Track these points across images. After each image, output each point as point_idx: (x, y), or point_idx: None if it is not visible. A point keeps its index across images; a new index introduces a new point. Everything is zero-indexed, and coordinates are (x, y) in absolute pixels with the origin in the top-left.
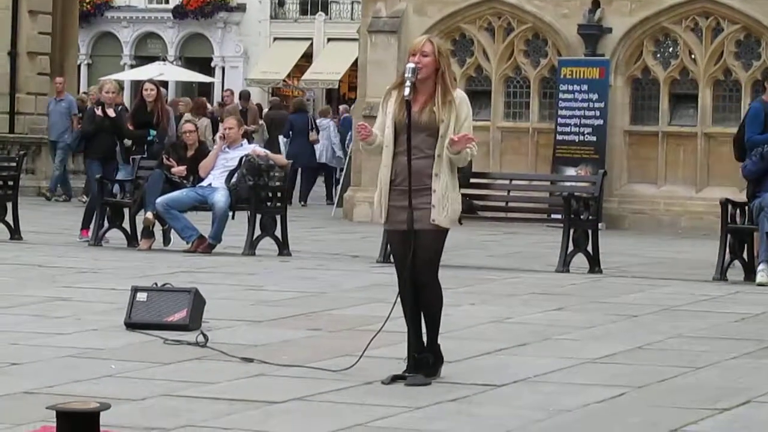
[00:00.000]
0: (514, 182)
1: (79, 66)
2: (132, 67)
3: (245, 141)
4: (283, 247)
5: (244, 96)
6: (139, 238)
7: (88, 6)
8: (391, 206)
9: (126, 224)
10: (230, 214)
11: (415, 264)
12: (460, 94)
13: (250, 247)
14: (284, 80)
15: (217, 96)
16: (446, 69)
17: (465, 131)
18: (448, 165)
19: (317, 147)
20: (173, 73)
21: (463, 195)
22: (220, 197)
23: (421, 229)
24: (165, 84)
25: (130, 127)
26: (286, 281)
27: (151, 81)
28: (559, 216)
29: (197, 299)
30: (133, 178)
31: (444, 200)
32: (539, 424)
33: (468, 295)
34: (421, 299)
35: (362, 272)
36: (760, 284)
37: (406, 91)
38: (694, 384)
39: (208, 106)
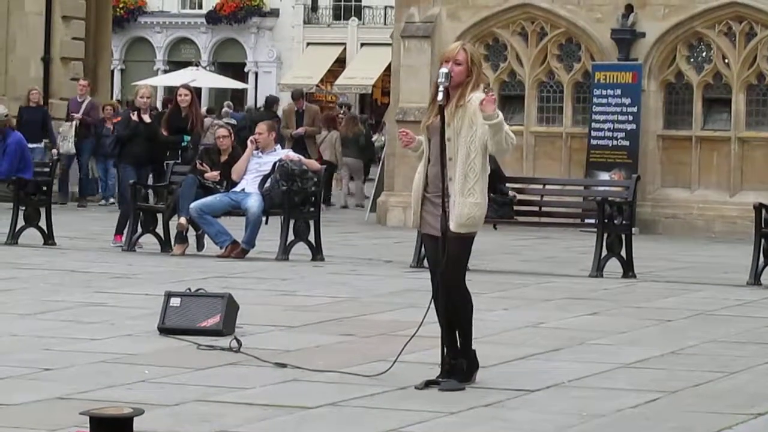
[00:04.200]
0: (547, 187)
1: (112, 71)
2: (165, 72)
3: (278, 146)
4: (317, 252)
5: (295, 96)
6: (172, 243)
7: (122, 11)
8: (423, 211)
9: (159, 229)
10: (263, 219)
11: (442, 270)
12: (476, 96)
13: (284, 252)
14: (317, 85)
15: (250, 101)
16: (476, 77)
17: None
18: (462, 167)
19: None
20: (206, 78)
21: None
22: (254, 202)
23: (445, 235)
24: (198, 90)
25: (164, 133)
26: (319, 286)
27: (185, 86)
28: (592, 220)
29: (230, 304)
30: (166, 183)
31: (455, 206)
32: (573, 429)
33: (501, 300)
34: (447, 303)
35: (396, 277)
36: None
37: (440, 96)
38: (728, 389)
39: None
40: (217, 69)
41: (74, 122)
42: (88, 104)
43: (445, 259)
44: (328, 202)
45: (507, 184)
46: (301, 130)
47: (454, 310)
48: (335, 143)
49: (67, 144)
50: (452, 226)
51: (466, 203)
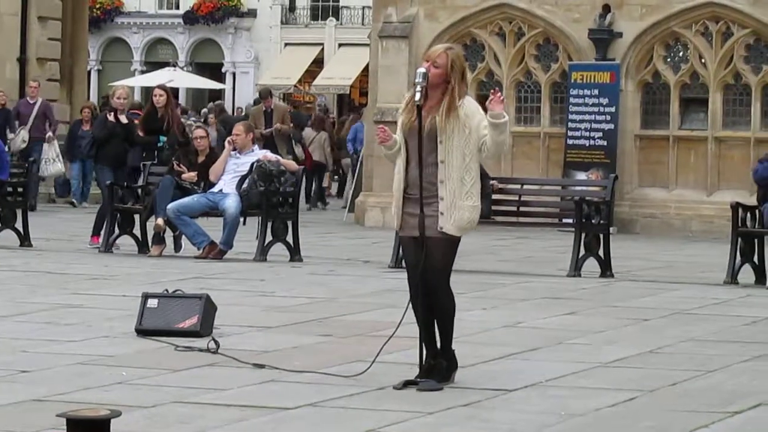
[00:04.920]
0: (525, 187)
1: (89, 72)
2: (142, 73)
3: (256, 146)
4: (295, 253)
5: (264, 95)
6: (149, 244)
7: (98, 11)
8: (404, 213)
9: (137, 230)
10: (241, 219)
11: (427, 271)
12: (469, 104)
13: (262, 253)
14: (295, 86)
15: (227, 101)
16: (457, 84)
17: (484, 130)
18: (458, 170)
19: None
20: (183, 79)
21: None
22: (231, 203)
23: (431, 237)
24: (176, 90)
25: (141, 134)
26: (297, 287)
27: (161, 87)
28: (570, 220)
29: (208, 305)
30: (143, 184)
31: (452, 208)
32: (551, 429)
33: (480, 300)
34: (433, 305)
35: (374, 277)
36: None
37: (417, 96)
38: (705, 387)
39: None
40: (194, 69)
41: (53, 142)
42: (41, 106)
43: (433, 261)
44: (323, 201)
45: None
46: (276, 126)
47: (439, 311)
48: (324, 144)
49: (56, 165)
50: (452, 230)
51: (466, 206)
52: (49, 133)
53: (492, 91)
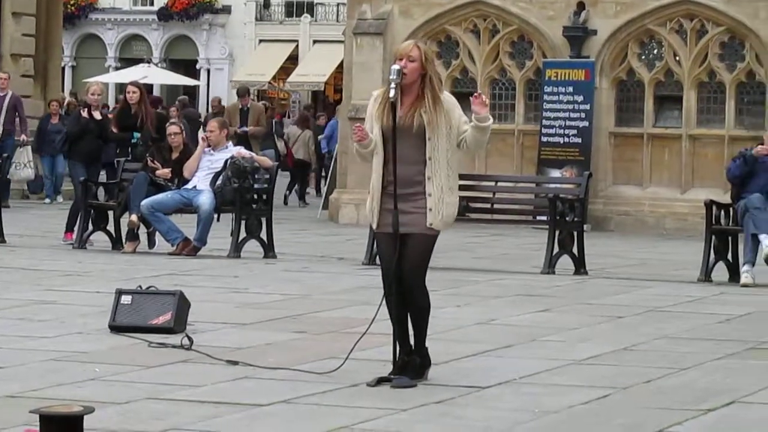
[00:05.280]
0: (499, 184)
1: (63, 68)
2: (117, 69)
3: (230, 143)
4: (269, 250)
5: (241, 93)
6: (123, 240)
7: (73, 8)
8: (382, 209)
9: (110, 227)
10: (215, 216)
11: (404, 268)
12: (448, 98)
13: (235, 250)
14: (270, 82)
15: (202, 98)
16: (433, 75)
17: (464, 126)
18: (444, 166)
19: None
20: (158, 75)
21: (459, 197)
22: (205, 200)
23: (411, 233)
24: (150, 87)
25: (114, 130)
26: (271, 283)
27: (134, 83)
28: (544, 218)
29: (182, 302)
30: (118, 180)
31: (440, 203)
32: (524, 426)
33: (453, 297)
34: (409, 303)
35: (348, 274)
36: (745, 285)
37: (391, 92)
38: (679, 385)
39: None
40: (168, 66)
41: (27, 146)
42: (11, 99)
43: (411, 258)
44: (303, 200)
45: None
46: (248, 129)
47: (415, 308)
48: (309, 142)
49: (26, 171)
50: (440, 226)
51: (452, 202)
52: (23, 136)
53: (475, 95)
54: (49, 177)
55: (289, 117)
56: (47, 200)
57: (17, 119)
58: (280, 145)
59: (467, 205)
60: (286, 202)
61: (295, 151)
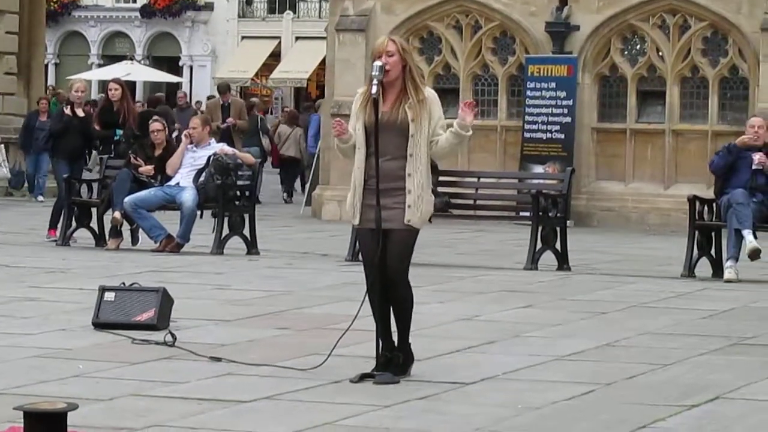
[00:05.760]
0: (482, 180)
1: (46, 65)
2: (99, 66)
3: (213, 140)
4: (252, 246)
5: (222, 89)
6: (107, 237)
7: (55, 5)
8: (364, 205)
9: (94, 224)
10: (198, 213)
11: (387, 263)
12: (431, 94)
13: (218, 246)
14: (252, 79)
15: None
16: (412, 65)
17: (440, 130)
18: (425, 164)
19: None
20: (141, 72)
21: (442, 193)
22: (188, 196)
23: (393, 229)
24: (133, 84)
25: (97, 127)
26: (254, 280)
27: (115, 80)
28: (527, 213)
29: (165, 299)
30: (100, 177)
31: (419, 201)
32: (508, 422)
33: (436, 293)
34: (392, 298)
35: (331, 271)
36: (728, 281)
37: (374, 89)
38: (662, 381)
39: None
40: (151, 63)
41: (0, 146)
42: None
43: (393, 253)
44: (290, 195)
45: (440, 178)
46: (230, 120)
47: (398, 304)
48: (300, 139)
49: (1, 170)
50: (415, 222)
51: (429, 199)
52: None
53: (465, 102)
54: (32, 174)
55: (272, 113)
56: (35, 198)
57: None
58: (265, 141)
59: (449, 201)
60: (286, 200)
61: (285, 148)
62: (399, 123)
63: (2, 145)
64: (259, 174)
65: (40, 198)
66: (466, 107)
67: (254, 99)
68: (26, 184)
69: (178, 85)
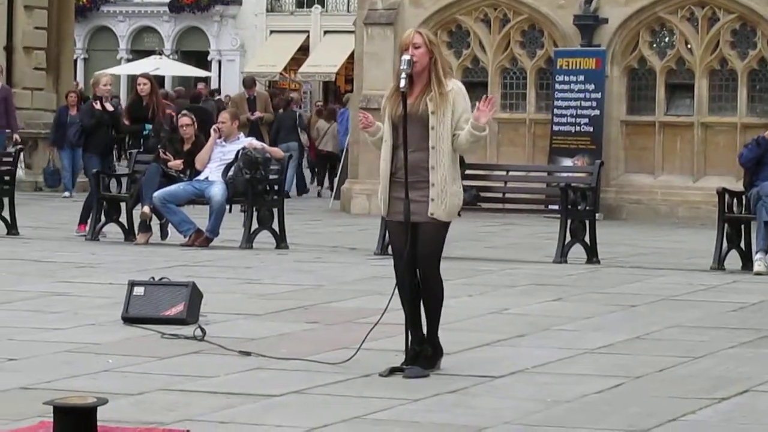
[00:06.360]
0: (511, 173)
1: (75, 60)
2: (128, 61)
3: (241, 134)
4: (281, 240)
5: (248, 83)
6: (136, 232)
7: (84, 0)
8: (391, 197)
9: (123, 218)
10: (227, 207)
11: (417, 257)
12: (456, 86)
13: (248, 241)
14: (281, 73)
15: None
16: (439, 57)
17: (464, 124)
18: (449, 156)
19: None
20: (169, 67)
21: (470, 186)
22: (217, 191)
23: (421, 222)
24: (161, 78)
25: (126, 122)
26: (283, 274)
27: (144, 75)
28: (556, 207)
29: (194, 293)
30: (129, 172)
31: (443, 194)
32: (537, 415)
33: (466, 287)
34: (423, 292)
35: (360, 264)
36: (758, 273)
37: (402, 82)
38: (692, 373)
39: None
40: (180, 57)
41: (17, 146)
42: (2, 90)
43: (423, 247)
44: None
45: (468, 172)
46: (258, 113)
47: (428, 298)
48: (337, 135)
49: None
50: (443, 216)
51: (455, 192)
52: (16, 136)
53: (485, 97)
54: (68, 170)
55: (300, 107)
56: (66, 194)
57: (7, 115)
58: (303, 137)
59: (478, 195)
60: (319, 194)
61: (324, 143)
62: (420, 115)
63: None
64: (288, 168)
65: (66, 194)
66: (483, 105)
67: (294, 94)
68: (62, 182)
69: (206, 80)
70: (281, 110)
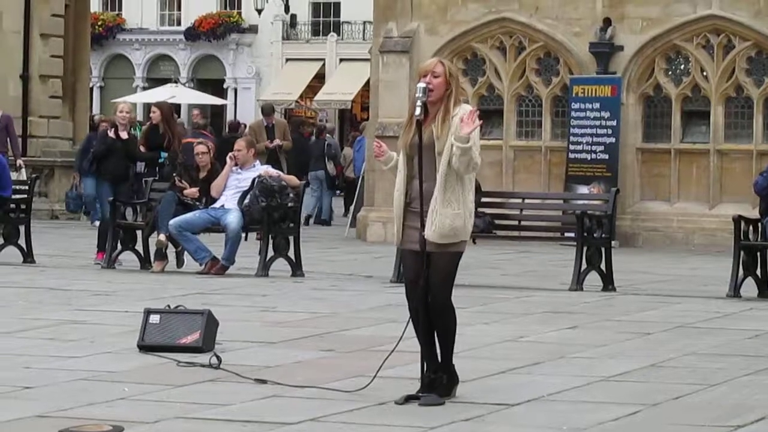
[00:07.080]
0: (527, 201)
1: (91, 89)
2: (144, 89)
3: (257, 162)
4: (296, 268)
5: (267, 111)
6: (152, 260)
7: (100, 28)
8: (405, 226)
9: (139, 246)
10: (243, 235)
11: (428, 285)
12: (462, 110)
13: (263, 269)
14: (297, 101)
15: (230, 117)
16: (455, 90)
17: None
18: (443, 177)
19: None
20: (185, 95)
21: (484, 213)
22: (233, 218)
23: (433, 252)
24: (177, 107)
25: (142, 149)
26: (299, 302)
27: (156, 104)
28: (572, 234)
29: (210, 321)
30: (145, 200)
31: (433, 214)
32: None
33: (481, 314)
34: (435, 321)
35: (376, 292)
36: None
37: (417, 110)
38: (708, 401)
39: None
40: (196, 85)
41: (21, 170)
42: (2, 119)
43: (434, 276)
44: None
45: (484, 199)
46: (277, 141)
47: (441, 326)
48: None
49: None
50: (434, 237)
51: (447, 214)
52: (20, 161)
53: (470, 110)
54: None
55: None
56: (92, 223)
57: (7, 142)
58: (330, 167)
59: (493, 222)
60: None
61: (351, 170)
62: (430, 143)
63: (23, 170)
64: (324, 197)
65: (97, 222)
66: (467, 117)
67: (329, 124)
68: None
69: (222, 108)
70: (313, 138)
